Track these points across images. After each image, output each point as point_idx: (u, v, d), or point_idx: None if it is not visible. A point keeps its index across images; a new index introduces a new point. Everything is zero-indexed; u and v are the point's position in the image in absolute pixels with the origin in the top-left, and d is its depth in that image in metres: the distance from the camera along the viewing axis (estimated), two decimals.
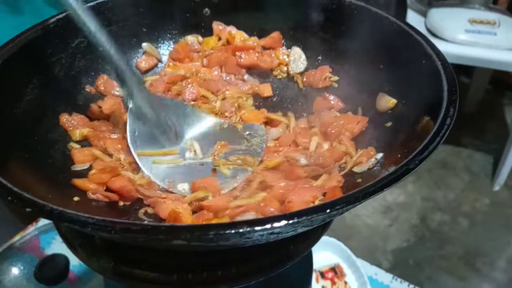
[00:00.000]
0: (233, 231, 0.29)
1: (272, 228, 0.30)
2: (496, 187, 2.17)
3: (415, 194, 2.14)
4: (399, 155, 0.41)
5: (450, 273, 1.83)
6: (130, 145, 0.50)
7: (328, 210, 0.30)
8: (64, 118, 0.54)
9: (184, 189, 0.48)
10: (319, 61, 0.63)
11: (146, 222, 0.44)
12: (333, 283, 1.04)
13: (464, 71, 2.63)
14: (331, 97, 0.59)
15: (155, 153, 0.51)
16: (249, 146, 0.54)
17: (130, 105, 0.50)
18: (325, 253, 1.10)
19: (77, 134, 0.53)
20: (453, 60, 1.72)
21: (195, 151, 0.52)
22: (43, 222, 1.05)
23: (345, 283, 1.04)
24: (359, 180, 0.45)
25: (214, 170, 0.51)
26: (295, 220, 0.30)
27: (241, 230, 0.29)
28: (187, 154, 0.52)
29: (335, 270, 1.07)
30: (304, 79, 0.63)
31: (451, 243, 1.94)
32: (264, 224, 0.30)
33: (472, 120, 2.55)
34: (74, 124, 0.54)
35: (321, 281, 1.04)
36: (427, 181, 2.21)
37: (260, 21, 0.67)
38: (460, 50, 1.74)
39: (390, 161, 0.44)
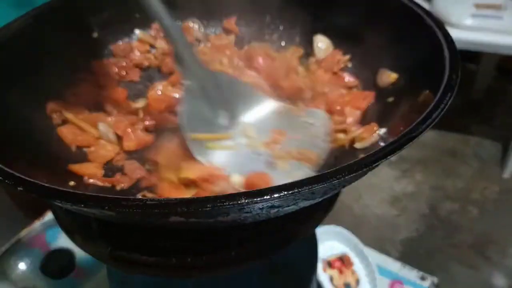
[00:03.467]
0: (231, 203, 0.28)
1: (271, 198, 0.28)
2: (506, 174, 2.14)
3: (423, 184, 2.11)
4: (401, 128, 0.39)
5: (460, 261, 1.81)
6: (183, 126, 0.45)
7: (330, 179, 0.28)
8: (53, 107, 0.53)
9: (237, 182, 0.43)
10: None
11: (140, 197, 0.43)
12: (341, 272, 1.03)
13: (470, 58, 2.59)
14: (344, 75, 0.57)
15: (209, 137, 0.46)
16: (310, 137, 0.48)
17: (187, 82, 0.46)
18: (332, 242, 1.09)
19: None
20: (459, 46, 1.66)
21: (249, 137, 0.47)
22: (49, 217, 1.05)
23: (353, 271, 1.03)
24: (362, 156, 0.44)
25: (270, 163, 0.45)
26: (295, 190, 0.28)
27: (239, 202, 0.28)
28: (242, 140, 0.47)
29: (343, 259, 1.06)
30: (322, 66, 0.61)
31: (461, 231, 1.91)
32: (263, 195, 0.28)
33: (480, 107, 2.51)
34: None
35: (329, 270, 1.03)
36: (435, 170, 2.18)
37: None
38: (466, 36, 1.71)
39: (393, 135, 0.43)
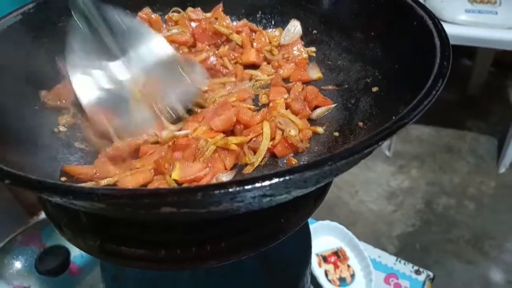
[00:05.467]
0: (222, 191, 0.28)
1: (263, 187, 0.28)
2: (502, 169, 2.14)
3: (419, 179, 2.12)
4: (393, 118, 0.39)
5: (457, 256, 1.81)
6: (71, 63, 0.48)
7: (322, 166, 0.28)
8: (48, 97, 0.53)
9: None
10: (315, 35, 0.62)
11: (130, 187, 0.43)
12: (336, 266, 1.03)
13: (466, 54, 2.60)
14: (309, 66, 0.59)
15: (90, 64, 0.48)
16: (181, 86, 0.51)
17: (76, 16, 0.48)
18: (327, 237, 1.09)
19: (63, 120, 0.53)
20: (454, 41, 1.69)
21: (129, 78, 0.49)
22: (44, 215, 1.04)
23: (348, 266, 1.03)
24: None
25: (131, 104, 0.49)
26: (287, 178, 0.28)
27: (230, 190, 0.28)
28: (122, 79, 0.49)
29: (338, 254, 1.06)
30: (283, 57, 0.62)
31: (457, 226, 1.92)
32: (255, 183, 0.28)
33: (476, 102, 2.51)
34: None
35: (324, 265, 1.03)
36: (431, 166, 2.19)
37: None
38: (461, 31, 1.71)
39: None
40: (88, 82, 0.49)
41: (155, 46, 0.52)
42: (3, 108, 0.47)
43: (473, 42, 1.77)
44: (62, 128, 0.52)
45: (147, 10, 0.63)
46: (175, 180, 0.44)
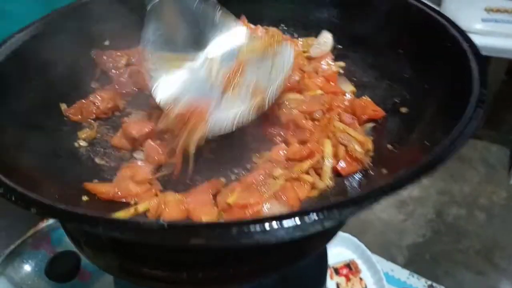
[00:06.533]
0: (258, 228, 0.26)
1: (302, 225, 0.27)
2: None
3: (430, 188, 2.09)
4: (418, 145, 0.38)
5: (467, 267, 1.79)
6: (148, 48, 0.45)
7: (368, 202, 0.27)
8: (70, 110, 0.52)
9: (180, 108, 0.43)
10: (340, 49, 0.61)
11: (161, 220, 0.42)
12: (348, 279, 1.01)
13: None
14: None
15: (172, 57, 0.45)
16: (268, 69, 0.46)
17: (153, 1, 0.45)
18: (339, 249, 1.07)
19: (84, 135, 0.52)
20: None
21: (210, 69, 0.46)
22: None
23: (360, 279, 1.01)
24: (384, 171, 0.43)
25: (220, 92, 0.45)
26: (324, 216, 0.27)
27: (266, 228, 0.26)
28: (201, 72, 0.46)
29: (350, 266, 1.04)
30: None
31: (468, 237, 1.89)
32: (293, 217, 0.27)
33: (488, 111, 2.48)
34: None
35: (336, 278, 1.01)
36: (442, 175, 2.16)
37: (270, 9, 0.64)
38: (476, 40, 1.68)
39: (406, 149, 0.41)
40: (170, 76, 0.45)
41: (235, 33, 0.49)
42: (25, 122, 0.46)
43: (489, 51, 1.74)
44: (82, 143, 0.51)
45: None
46: (227, 204, 0.41)
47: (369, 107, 0.50)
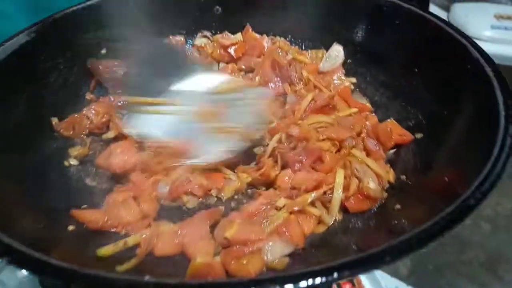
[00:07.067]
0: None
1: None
2: None
3: None
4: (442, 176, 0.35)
5: (471, 279, 1.75)
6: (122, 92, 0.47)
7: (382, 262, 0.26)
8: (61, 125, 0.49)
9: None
10: (349, 64, 0.58)
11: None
12: None
13: None
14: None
15: (145, 101, 0.46)
16: (245, 113, 0.47)
17: (133, 47, 0.48)
18: None
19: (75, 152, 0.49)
20: None
21: (183, 105, 0.47)
22: None
23: None
24: (398, 207, 0.39)
25: (204, 132, 0.45)
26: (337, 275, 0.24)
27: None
28: (176, 107, 0.47)
29: (353, 282, 1.01)
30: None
31: (472, 247, 1.85)
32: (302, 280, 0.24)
33: None
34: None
35: None
36: None
37: (278, 20, 0.61)
38: (486, 48, 1.64)
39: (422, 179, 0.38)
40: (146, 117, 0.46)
41: (207, 78, 0.50)
42: (10, 138, 0.43)
43: (499, 59, 1.70)
44: (73, 162, 0.48)
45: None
46: (225, 238, 0.38)
47: (396, 131, 0.45)
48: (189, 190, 0.43)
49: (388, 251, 0.25)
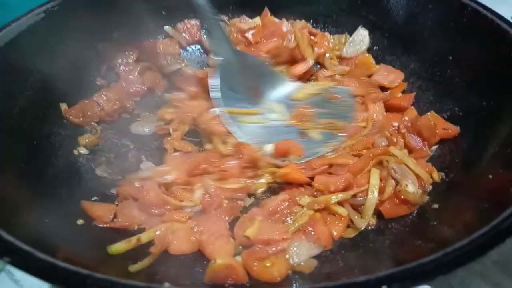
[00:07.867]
0: None
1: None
2: None
3: None
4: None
5: (484, 278, 1.70)
6: (218, 101, 0.47)
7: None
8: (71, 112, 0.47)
9: (269, 150, 0.44)
10: (376, 51, 0.54)
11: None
12: None
13: None
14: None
15: (242, 111, 0.48)
16: (336, 110, 0.49)
17: (220, 58, 0.48)
18: None
19: (85, 140, 0.46)
20: None
21: (278, 112, 0.49)
22: None
23: None
24: (436, 206, 0.36)
25: (302, 134, 0.47)
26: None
27: None
28: (272, 115, 0.49)
29: None
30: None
31: None
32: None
33: None
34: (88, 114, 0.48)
35: None
36: None
37: (299, 2, 0.57)
38: None
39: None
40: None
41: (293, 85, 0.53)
42: (17, 125, 0.40)
43: None
44: (82, 150, 0.45)
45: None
46: (246, 237, 0.35)
47: (440, 125, 0.41)
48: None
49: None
